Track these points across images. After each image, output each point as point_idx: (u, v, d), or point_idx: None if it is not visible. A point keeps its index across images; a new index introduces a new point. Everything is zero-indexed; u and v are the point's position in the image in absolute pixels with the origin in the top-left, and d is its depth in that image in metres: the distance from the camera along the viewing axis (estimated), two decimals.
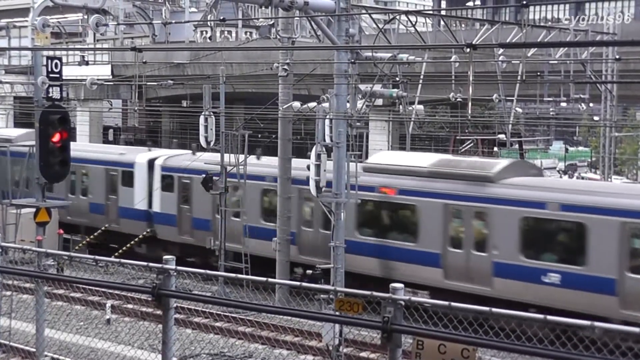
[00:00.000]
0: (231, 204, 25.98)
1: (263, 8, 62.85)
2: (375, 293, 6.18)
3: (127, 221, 29.20)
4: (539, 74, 26.58)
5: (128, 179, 29.53)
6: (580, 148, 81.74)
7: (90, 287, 19.71)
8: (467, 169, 22.13)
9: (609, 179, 33.76)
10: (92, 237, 29.77)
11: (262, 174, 25.53)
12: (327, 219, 23.15)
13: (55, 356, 14.28)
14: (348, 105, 18.77)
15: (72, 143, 34.67)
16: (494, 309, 5.87)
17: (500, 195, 20.90)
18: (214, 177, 24.90)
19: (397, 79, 20.61)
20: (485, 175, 21.38)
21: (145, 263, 7.51)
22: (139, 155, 30.01)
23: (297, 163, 24.59)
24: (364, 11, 21.88)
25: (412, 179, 22.54)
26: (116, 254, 27.28)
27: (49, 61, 19.22)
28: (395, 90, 20.58)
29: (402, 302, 5.97)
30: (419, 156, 26.08)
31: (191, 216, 27.46)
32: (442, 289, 21.02)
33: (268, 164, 26.04)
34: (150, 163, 28.96)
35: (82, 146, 32.91)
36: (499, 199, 20.87)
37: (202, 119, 24.70)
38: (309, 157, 19.80)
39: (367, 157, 36.15)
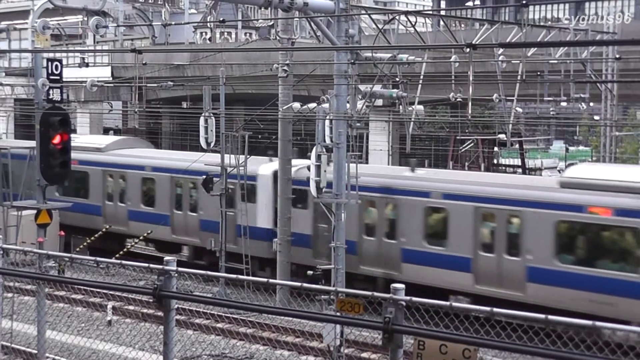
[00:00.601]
0: (384, 221, 23.00)
1: (262, 9, 62.91)
2: (376, 294, 6.19)
3: (247, 241, 25.04)
4: (539, 73, 26.55)
5: (248, 193, 25.52)
6: (581, 147, 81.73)
7: (91, 289, 19.78)
8: None
9: None
10: (92, 238, 29.66)
11: (424, 189, 22.20)
12: (512, 242, 20.61)
13: (57, 358, 14.27)
14: (348, 105, 18.77)
15: (179, 152, 29.84)
16: (495, 309, 5.88)
17: None
18: (214, 179, 24.85)
19: (397, 79, 20.57)
20: None
21: (146, 264, 7.52)
22: (262, 166, 26.12)
23: (481, 177, 22.95)
24: (363, 12, 21.86)
25: (632, 197, 19.16)
26: (117, 255, 27.24)
27: (49, 63, 19.27)
28: (395, 90, 20.53)
29: (403, 303, 5.97)
30: (632, 170, 23.30)
31: (330, 236, 24.09)
32: None
33: (430, 177, 23.10)
34: (276, 175, 24.75)
35: (190, 155, 29.04)
36: None
37: (202, 120, 24.72)
38: (309, 158, 19.78)
39: (367, 158, 36.35)
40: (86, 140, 32.53)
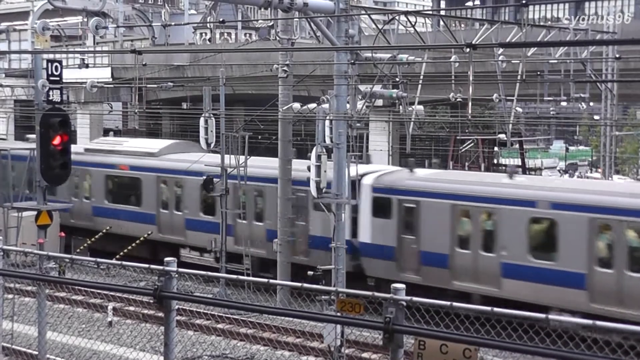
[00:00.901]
0: (480, 232, 21.28)
1: (262, 9, 62.90)
2: (376, 294, 6.19)
3: (320, 253, 23.12)
4: (539, 73, 26.56)
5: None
6: (581, 147, 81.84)
7: (92, 290, 19.79)
8: None
9: (610, 179, 33.76)
10: (92, 239, 29.62)
11: (529, 197, 20.48)
12: (634, 257, 18.92)
13: (58, 359, 14.27)
14: (348, 106, 18.78)
15: (253, 159, 25.97)
16: (495, 309, 5.88)
17: None
18: (215, 179, 24.84)
19: (397, 79, 20.57)
20: None
21: (146, 265, 7.52)
22: None
23: (583, 183, 21.25)
24: (363, 12, 21.87)
25: None
26: (117, 256, 27.24)
27: (49, 64, 19.28)
28: (395, 90, 20.54)
29: (404, 303, 5.98)
30: None
31: (418, 249, 22.08)
32: None
33: (535, 185, 21.64)
34: (354, 182, 23.25)
35: (257, 161, 25.98)
36: None
37: (202, 121, 24.72)
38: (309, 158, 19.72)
39: (367, 158, 36.31)
40: (137, 144, 31.04)
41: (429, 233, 21.88)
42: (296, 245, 24.02)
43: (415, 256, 22.09)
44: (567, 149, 74.14)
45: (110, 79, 42.87)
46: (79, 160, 29.40)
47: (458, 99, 22.73)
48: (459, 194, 21.44)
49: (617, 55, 27.78)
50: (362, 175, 23.20)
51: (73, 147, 30.99)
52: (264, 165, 25.57)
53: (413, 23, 21.89)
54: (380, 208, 22.74)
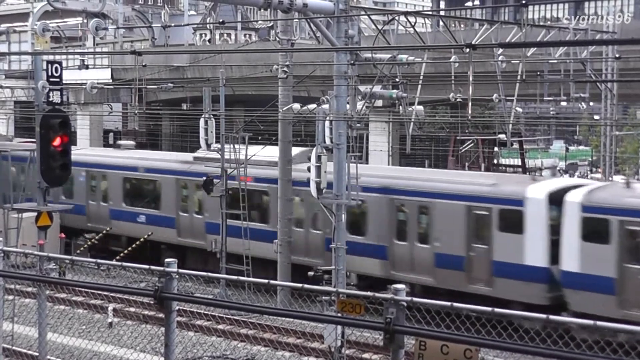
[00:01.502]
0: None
1: (262, 10, 62.95)
2: (377, 294, 6.18)
3: (508, 282, 20.53)
4: (538, 73, 26.56)
5: (512, 221, 20.84)
6: (581, 147, 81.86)
7: (92, 291, 19.79)
8: None
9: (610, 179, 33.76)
10: (94, 240, 29.58)
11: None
12: None
13: None
14: (348, 106, 18.78)
15: (399, 169, 23.89)
16: (496, 309, 5.88)
17: None
18: (214, 180, 24.82)
19: (397, 79, 20.57)
20: None
21: (147, 266, 7.52)
22: (532, 187, 21.16)
23: None
24: (362, 12, 21.87)
25: None
26: (118, 257, 27.20)
27: (49, 65, 19.27)
28: (395, 91, 20.54)
29: (404, 303, 5.97)
30: None
31: None
32: None
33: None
34: (554, 198, 20.51)
35: (424, 174, 22.55)
36: None
37: (202, 122, 24.74)
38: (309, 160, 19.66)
39: (367, 159, 36.33)
40: (260, 152, 25.32)
41: None
42: (474, 271, 21.41)
43: None
44: (567, 149, 74.15)
45: (110, 80, 42.90)
46: (188, 171, 27.20)
47: (458, 99, 22.73)
48: None
49: (617, 55, 27.78)
50: (561, 191, 20.62)
51: (178, 156, 28.14)
52: (430, 178, 23.11)
53: (413, 23, 21.89)
54: (594, 231, 19.63)
